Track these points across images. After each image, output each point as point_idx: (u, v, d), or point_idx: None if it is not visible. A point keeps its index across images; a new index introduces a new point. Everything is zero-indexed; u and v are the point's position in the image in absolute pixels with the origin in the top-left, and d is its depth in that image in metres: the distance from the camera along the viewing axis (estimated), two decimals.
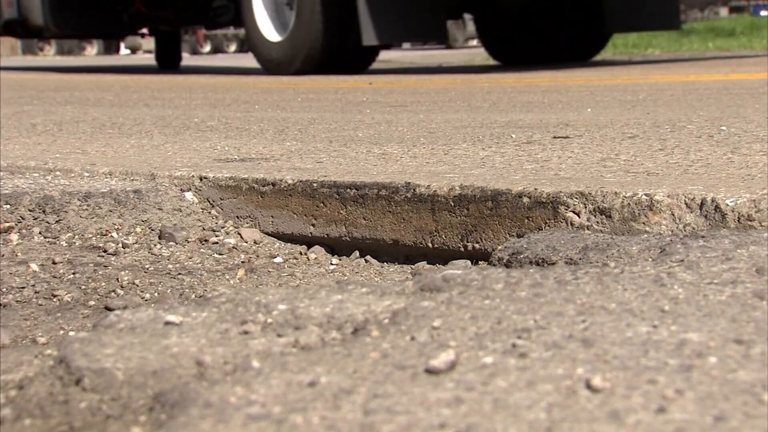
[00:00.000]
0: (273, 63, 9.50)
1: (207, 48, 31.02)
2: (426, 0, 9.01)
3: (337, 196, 2.23)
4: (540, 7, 9.80)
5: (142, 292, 1.93)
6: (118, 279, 1.97)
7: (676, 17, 10.18)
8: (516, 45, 10.30)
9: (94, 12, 11.97)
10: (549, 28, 9.89)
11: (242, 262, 2.17)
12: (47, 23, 11.49)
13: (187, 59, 18.78)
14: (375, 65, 10.10)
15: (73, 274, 1.98)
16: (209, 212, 2.40)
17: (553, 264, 1.65)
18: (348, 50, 9.06)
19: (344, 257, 2.25)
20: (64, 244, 2.19)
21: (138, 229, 2.28)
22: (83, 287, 1.92)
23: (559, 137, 3.16)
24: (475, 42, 12.40)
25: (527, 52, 10.06)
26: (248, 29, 10.04)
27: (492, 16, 10.53)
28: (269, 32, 9.62)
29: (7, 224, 2.24)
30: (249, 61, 11.00)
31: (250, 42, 10.17)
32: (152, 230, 2.29)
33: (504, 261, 1.78)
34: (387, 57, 19.09)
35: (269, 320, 1.25)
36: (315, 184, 2.27)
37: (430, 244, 2.11)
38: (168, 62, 13.84)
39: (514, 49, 10.35)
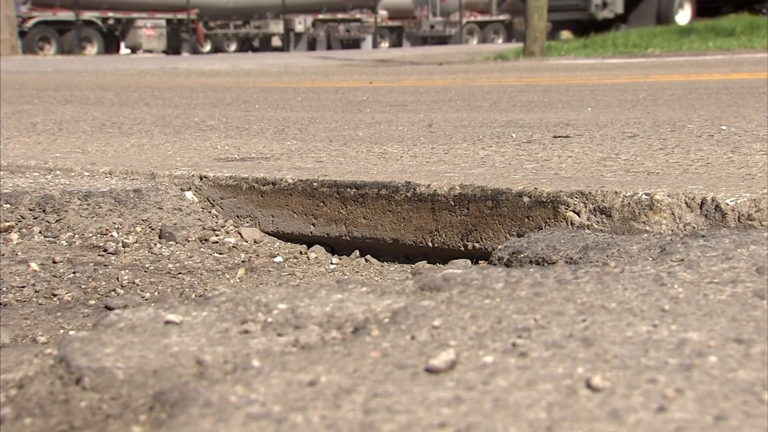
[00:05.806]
0: None
1: (207, 47, 30.97)
2: None
3: (337, 196, 2.23)
4: None
5: (142, 291, 1.92)
6: (118, 278, 1.97)
7: None
8: None
9: None
10: None
11: (242, 261, 2.17)
12: None
13: (188, 59, 18.89)
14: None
15: (73, 273, 1.98)
16: (209, 211, 2.40)
17: (554, 263, 1.65)
18: None
19: (344, 256, 2.25)
20: (65, 244, 2.19)
21: (138, 229, 2.28)
22: (83, 286, 1.92)
23: (559, 137, 3.16)
24: None
25: None
26: None
27: None
28: None
29: (8, 223, 2.24)
30: (249, 60, 10.98)
31: None
32: (152, 229, 2.29)
33: (504, 260, 1.78)
34: (387, 56, 19.10)
35: (269, 319, 1.25)
36: (315, 184, 2.27)
37: (430, 244, 2.11)
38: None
39: None
